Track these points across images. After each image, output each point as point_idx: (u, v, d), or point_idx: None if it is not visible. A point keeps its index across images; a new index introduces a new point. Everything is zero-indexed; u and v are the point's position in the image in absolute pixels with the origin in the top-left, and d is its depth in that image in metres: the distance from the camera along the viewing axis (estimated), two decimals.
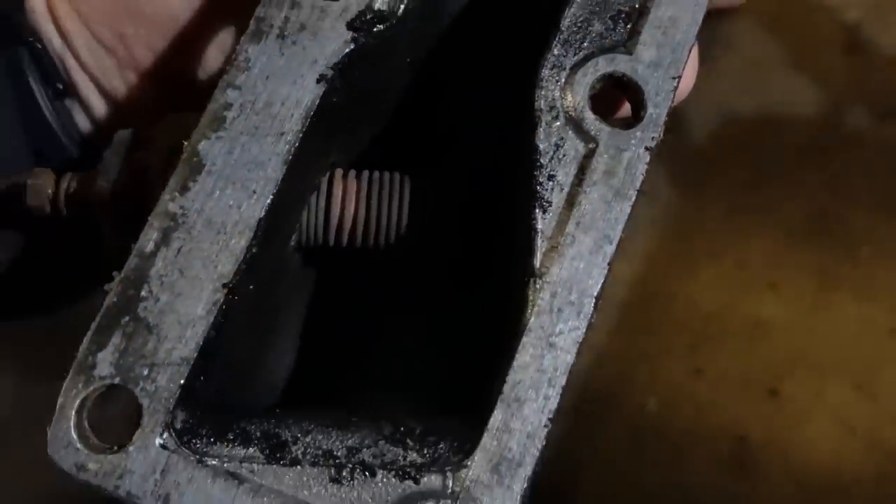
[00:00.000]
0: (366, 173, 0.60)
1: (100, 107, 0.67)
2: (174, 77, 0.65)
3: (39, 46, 0.65)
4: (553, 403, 0.48)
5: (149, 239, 0.49)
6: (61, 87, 0.67)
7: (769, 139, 2.46)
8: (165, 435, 0.47)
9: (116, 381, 0.47)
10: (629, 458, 2.22)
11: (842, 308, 2.28)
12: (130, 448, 0.46)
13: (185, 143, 0.50)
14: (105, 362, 0.47)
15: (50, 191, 0.60)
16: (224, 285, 0.49)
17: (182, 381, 0.47)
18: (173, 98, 0.64)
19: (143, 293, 0.48)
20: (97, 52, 0.65)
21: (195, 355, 0.48)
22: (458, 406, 0.51)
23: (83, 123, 0.68)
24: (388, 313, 0.63)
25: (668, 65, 0.52)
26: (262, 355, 0.61)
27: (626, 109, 0.55)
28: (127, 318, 0.48)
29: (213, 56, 0.64)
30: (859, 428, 2.18)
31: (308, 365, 0.63)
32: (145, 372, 0.47)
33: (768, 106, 2.49)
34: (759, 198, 2.41)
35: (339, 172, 0.59)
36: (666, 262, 2.39)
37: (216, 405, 0.51)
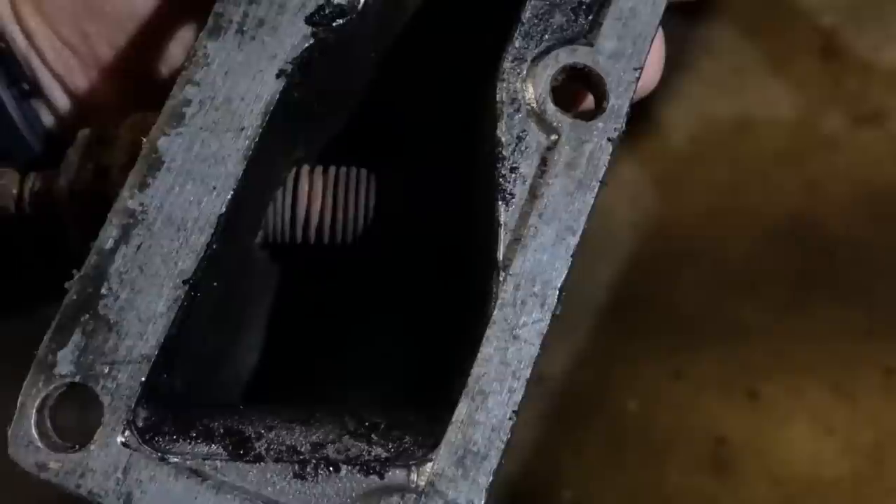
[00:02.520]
0: (332, 169, 0.59)
1: (65, 105, 0.67)
2: (138, 75, 0.65)
3: (4, 46, 0.65)
4: (518, 396, 0.48)
5: (108, 236, 0.49)
6: (27, 87, 0.66)
7: (747, 142, 2.48)
8: (127, 433, 0.46)
9: (77, 379, 0.47)
10: (609, 460, 2.23)
11: (819, 309, 2.30)
12: (92, 447, 0.46)
13: (144, 139, 0.50)
14: (66, 360, 0.47)
15: (14, 191, 0.60)
16: (184, 282, 0.48)
17: (143, 379, 0.47)
18: (138, 96, 0.64)
19: (102, 290, 0.48)
20: (61, 51, 0.65)
21: (156, 352, 0.47)
22: (425, 400, 0.51)
23: (49, 122, 0.68)
24: (357, 308, 0.63)
25: (630, 56, 0.52)
26: (230, 350, 0.61)
27: (589, 102, 0.55)
28: (87, 316, 0.48)
29: (176, 53, 0.64)
30: (837, 429, 2.19)
31: (277, 360, 0.63)
32: (106, 370, 0.47)
33: (746, 110, 2.51)
34: (737, 200, 2.42)
35: (305, 168, 0.59)
36: (645, 264, 2.40)
37: (181, 401, 0.51)
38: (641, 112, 2.66)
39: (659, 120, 2.49)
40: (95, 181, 0.56)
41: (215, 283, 0.51)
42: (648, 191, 2.57)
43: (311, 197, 0.58)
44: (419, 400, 0.51)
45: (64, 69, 0.65)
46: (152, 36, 0.63)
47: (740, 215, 2.47)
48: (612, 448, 2.26)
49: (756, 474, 2.20)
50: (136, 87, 0.65)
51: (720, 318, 2.33)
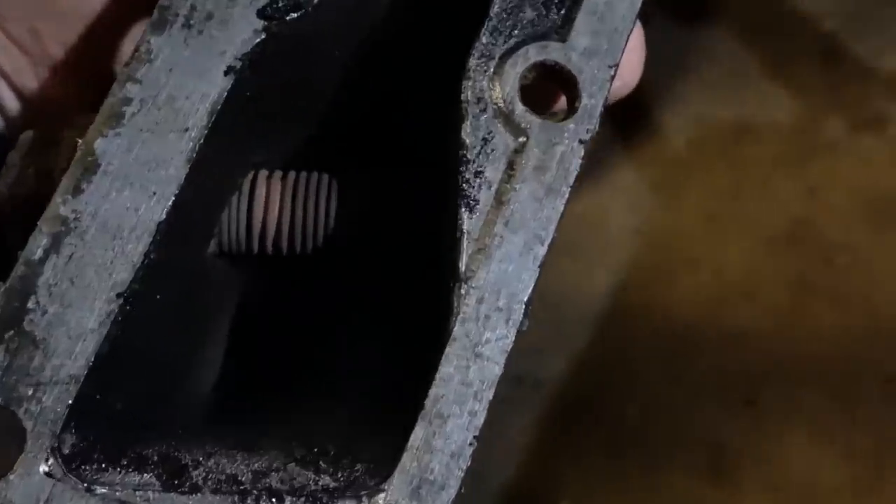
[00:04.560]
0: (292, 174, 0.56)
1: (14, 107, 0.64)
2: (91, 74, 0.61)
3: None
4: (479, 419, 0.44)
5: (37, 245, 0.45)
6: None
7: (747, 148, 2.45)
8: (51, 461, 0.43)
9: None
10: (607, 467, 2.20)
11: (818, 315, 2.26)
12: (11, 476, 0.42)
13: (79, 140, 0.46)
14: None
15: None
16: (118, 295, 0.45)
17: (70, 401, 0.43)
18: (91, 96, 0.61)
19: (29, 304, 0.44)
20: (9, 49, 0.61)
21: (86, 372, 0.44)
22: (382, 422, 0.47)
23: None
24: (318, 319, 0.59)
25: (605, 52, 0.49)
26: (190, 364, 0.57)
27: (563, 103, 0.51)
28: (11, 333, 0.44)
29: (128, 52, 0.60)
30: (837, 436, 2.16)
31: (237, 373, 0.59)
32: (30, 391, 0.43)
33: (746, 114, 2.48)
34: (736, 206, 2.39)
35: (262, 173, 0.56)
36: (644, 270, 2.37)
37: (122, 424, 0.47)
38: (640, 117, 2.64)
39: (657, 124, 2.46)
40: (37, 185, 0.53)
41: (159, 296, 0.48)
42: (647, 196, 2.55)
43: (268, 203, 0.55)
44: (376, 422, 0.48)
45: (12, 68, 0.62)
46: (106, 34, 0.60)
47: (739, 221, 2.45)
48: (610, 454, 2.23)
49: (755, 481, 2.17)
50: (89, 87, 0.62)
51: (719, 324, 2.31)
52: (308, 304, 0.59)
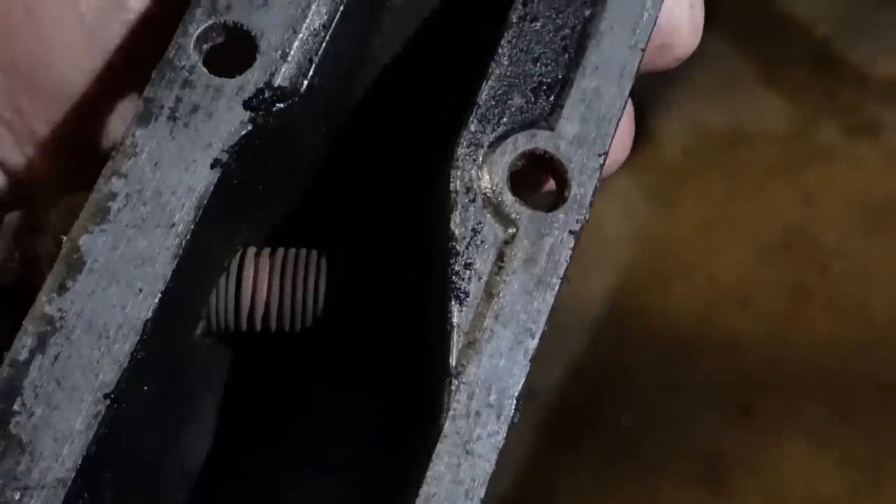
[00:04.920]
0: (280, 252, 0.55)
1: (1, 182, 0.63)
2: (78, 151, 0.61)
3: None
4: None
5: (23, 345, 0.45)
6: None
7: (741, 154, 2.45)
8: None
9: None
10: (603, 475, 2.20)
11: (814, 323, 2.27)
12: None
13: (64, 238, 0.46)
14: None
15: None
16: (106, 395, 0.44)
17: None
18: (78, 172, 0.60)
19: (15, 407, 0.44)
20: None
21: (73, 475, 0.43)
22: None
23: None
24: (306, 398, 0.59)
25: (593, 140, 0.48)
26: (174, 444, 0.57)
27: (552, 184, 0.51)
28: None
29: (116, 127, 0.60)
30: (833, 445, 2.16)
31: (225, 449, 0.59)
32: (17, 496, 0.43)
33: (740, 121, 2.48)
34: (731, 213, 2.39)
35: (250, 252, 0.55)
36: (639, 277, 2.37)
37: None
38: (634, 124, 2.64)
39: (652, 132, 2.46)
40: (22, 274, 0.52)
41: (146, 388, 0.47)
42: (641, 203, 2.55)
43: (256, 283, 0.54)
44: None
45: None
46: (91, 112, 0.59)
47: (734, 228, 2.45)
48: (606, 463, 2.24)
49: (750, 490, 2.17)
50: (76, 164, 0.61)
51: (714, 331, 2.31)
52: (295, 382, 0.59)
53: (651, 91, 2.43)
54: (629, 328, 2.37)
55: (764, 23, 2.63)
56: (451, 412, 0.45)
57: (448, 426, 0.45)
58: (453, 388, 0.46)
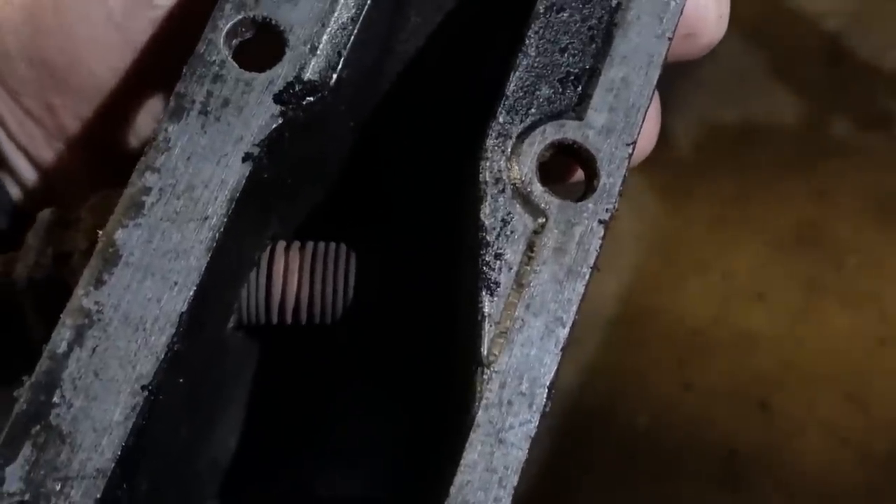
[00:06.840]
0: (310, 245, 0.56)
1: (31, 178, 0.64)
2: (107, 146, 0.62)
3: None
4: None
5: (61, 338, 0.45)
6: None
7: (754, 150, 2.44)
8: None
9: (27, 497, 0.43)
10: (620, 474, 2.19)
11: (830, 318, 2.26)
12: None
13: (100, 231, 0.46)
14: (14, 476, 0.44)
15: None
16: (143, 387, 0.45)
17: (98, 496, 0.43)
18: (107, 167, 0.61)
19: (55, 399, 0.45)
20: (25, 123, 0.61)
21: (112, 465, 0.44)
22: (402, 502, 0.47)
23: (16, 195, 0.65)
24: (338, 390, 0.60)
25: (622, 130, 0.49)
26: (205, 437, 0.57)
27: (580, 174, 0.51)
28: (38, 427, 0.44)
29: (145, 124, 0.60)
30: (851, 439, 2.15)
31: (255, 441, 0.59)
32: (58, 486, 0.43)
33: (752, 116, 2.48)
34: (744, 209, 2.39)
35: (280, 246, 0.56)
36: (653, 275, 2.37)
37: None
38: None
39: (663, 128, 2.46)
40: (55, 269, 0.53)
41: (181, 380, 0.48)
42: (654, 201, 2.54)
43: (287, 277, 0.55)
44: (394, 501, 0.48)
45: (28, 140, 0.62)
46: (120, 108, 0.59)
47: (747, 223, 2.44)
48: (623, 463, 2.23)
49: (769, 487, 2.17)
50: (106, 159, 0.62)
51: (729, 328, 2.30)
52: (325, 374, 0.59)
53: (660, 88, 2.44)
54: (643, 328, 2.37)
55: (774, 18, 2.62)
56: (483, 401, 0.46)
57: (480, 415, 0.45)
58: (485, 377, 0.46)
